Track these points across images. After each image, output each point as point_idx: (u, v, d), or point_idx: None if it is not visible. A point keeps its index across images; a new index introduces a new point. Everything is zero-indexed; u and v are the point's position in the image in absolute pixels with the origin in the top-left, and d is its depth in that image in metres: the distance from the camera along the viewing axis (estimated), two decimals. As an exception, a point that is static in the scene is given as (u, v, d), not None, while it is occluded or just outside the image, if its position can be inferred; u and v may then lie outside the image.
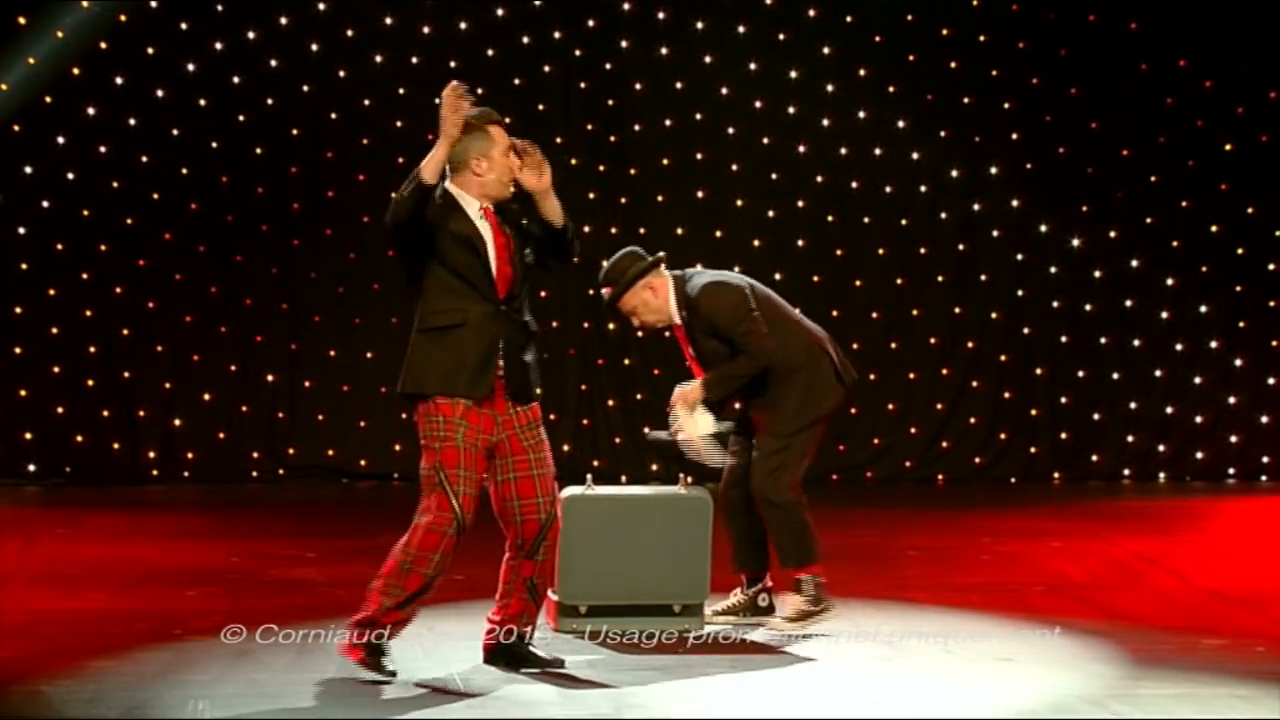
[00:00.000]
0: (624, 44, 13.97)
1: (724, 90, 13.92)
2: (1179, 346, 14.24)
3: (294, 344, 13.65)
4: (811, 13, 14.04)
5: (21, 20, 13.02)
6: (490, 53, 13.81)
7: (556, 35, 13.89)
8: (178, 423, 13.43)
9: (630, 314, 7.70)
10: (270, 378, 13.60)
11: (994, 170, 14.18)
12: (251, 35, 13.53)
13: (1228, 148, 14.17)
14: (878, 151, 14.07)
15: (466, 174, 6.65)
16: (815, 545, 7.42)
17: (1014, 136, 14.16)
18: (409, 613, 6.40)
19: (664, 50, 13.98)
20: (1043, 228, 14.22)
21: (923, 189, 14.12)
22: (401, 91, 13.69)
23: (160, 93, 13.39)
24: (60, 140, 13.25)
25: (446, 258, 6.49)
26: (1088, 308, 14.25)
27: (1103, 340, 14.25)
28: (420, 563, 6.34)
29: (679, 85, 13.92)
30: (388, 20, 13.70)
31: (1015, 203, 14.20)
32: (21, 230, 13.20)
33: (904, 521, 11.22)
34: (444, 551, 6.37)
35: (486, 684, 6.30)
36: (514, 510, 6.56)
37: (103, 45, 13.23)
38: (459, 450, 6.40)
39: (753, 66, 13.94)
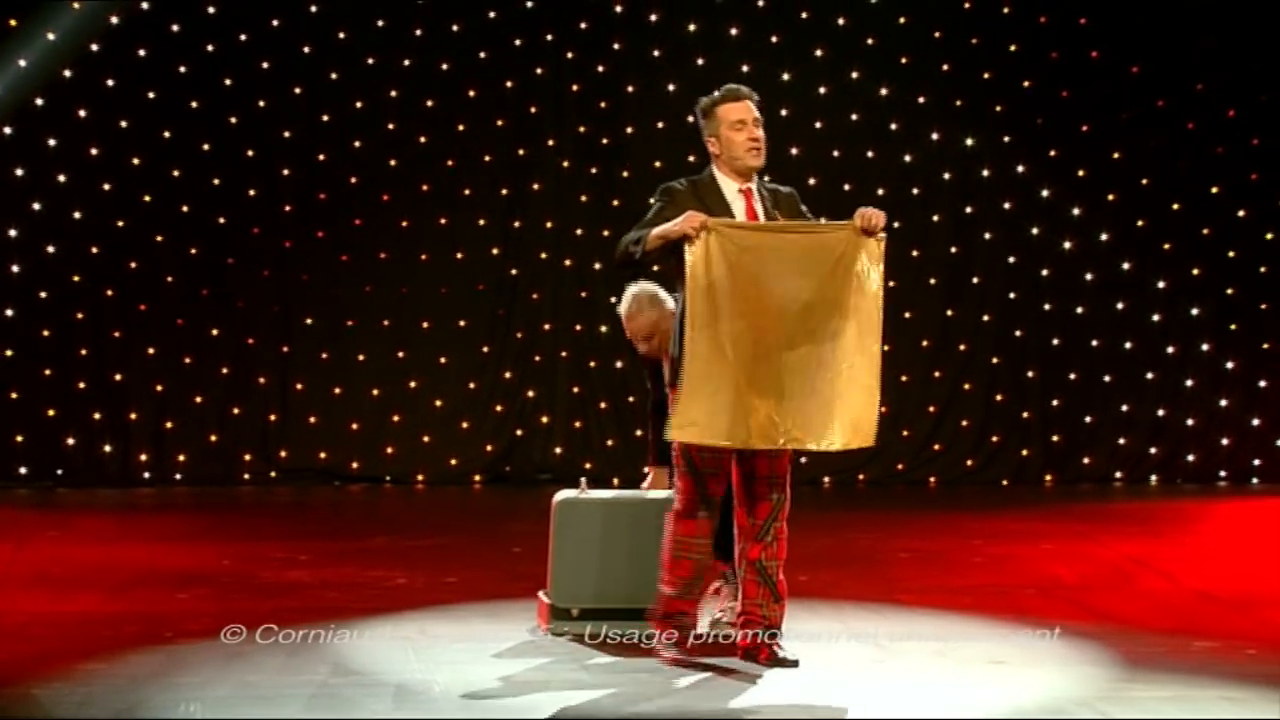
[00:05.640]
0: (616, 46, 13.98)
1: (716, 93, 13.90)
2: (1170, 349, 14.26)
3: (285, 346, 13.65)
4: (804, 15, 14.05)
5: (13, 22, 13.00)
6: (482, 55, 13.81)
7: (549, 37, 13.90)
8: (169, 425, 13.43)
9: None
10: (262, 380, 13.60)
11: (985, 173, 14.19)
12: (243, 37, 13.53)
13: (1219, 151, 14.19)
14: (870, 154, 14.08)
15: (715, 157, 6.78)
16: None
17: (1005, 139, 14.18)
18: (695, 599, 6.65)
19: (656, 52, 13.98)
20: (1034, 230, 14.24)
21: (915, 191, 14.13)
22: (394, 94, 13.69)
23: (151, 94, 13.38)
24: (51, 142, 13.24)
25: None
26: (1079, 310, 14.27)
27: (1094, 343, 14.27)
28: (685, 548, 6.56)
29: (671, 87, 13.92)
30: (380, 22, 13.70)
31: (1007, 205, 14.22)
32: (13, 232, 13.19)
33: (896, 524, 11.23)
34: (702, 534, 6.55)
35: (480, 686, 6.29)
36: (751, 488, 6.57)
37: (94, 47, 13.23)
38: None
39: (745, 69, 13.92)
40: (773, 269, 6.42)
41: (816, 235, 6.57)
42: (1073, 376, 14.26)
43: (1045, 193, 14.22)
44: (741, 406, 6.36)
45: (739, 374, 6.36)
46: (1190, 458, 14.22)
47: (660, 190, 6.75)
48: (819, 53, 14.06)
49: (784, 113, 13.86)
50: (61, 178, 13.25)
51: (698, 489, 6.55)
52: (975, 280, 14.26)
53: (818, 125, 13.97)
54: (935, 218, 14.17)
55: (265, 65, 13.58)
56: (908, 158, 14.14)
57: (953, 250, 14.22)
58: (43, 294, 13.25)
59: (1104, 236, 14.24)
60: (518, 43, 13.86)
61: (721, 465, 6.54)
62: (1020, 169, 14.19)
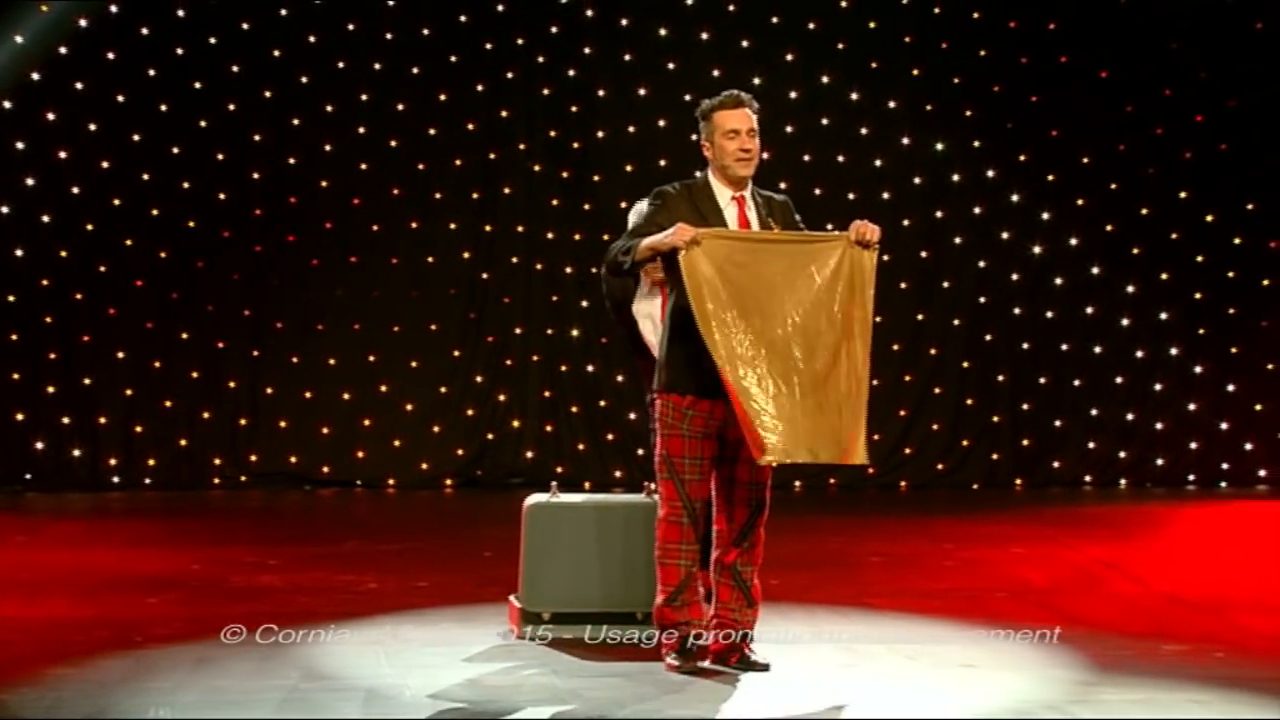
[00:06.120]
0: (587, 50, 13.98)
1: (687, 96, 13.90)
2: (1139, 353, 14.32)
3: (256, 350, 13.61)
4: (774, 19, 14.08)
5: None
6: (453, 58, 13.81)
7: (519, 41, 13.90)
8: (139, 429, 13.38)
9: None
10: (232, 384, 13.56)
11: (956, 177, 14.23)
12: (213, 40, 13.49)
13: (1187, 156, 14.26)
14: (840, 158, 14.11)
15: (709, 162, 6.79)
16: None
17: (975, 144, 14.22)
18: (688, 605, 6.55)
19: (627, 56, 14.00)
20: (1004, 235, 14.29)
21: (885, 195, 14.16)
22: (364, 97, 13.67)
23: (121, 98, 13.34)
24: (19, 145, 13.19)
25: None
26: (1049, 314, 14.32)
27: (1064, 347, 14.32)
28: (669, 554, 6.54)
29: (642, 91, 13.94)
30: (350, 26, 13.68)
31: (977, 210, 14.26)
32: (-20, 236, 13.15)
33: (866, 527, 11.25)
34: (687, 539, 6.52)
35: (451, 690, 6.28)
36: (731, 494, 6.58)
37: (63, 50, 13.18)
38: (684, 439, 6.48)
39: (715, 73, 13.95)
40: (765, 281, 6.39)
41: (808, 246, 6.52)
42: (1043, 380, 14.31)
43: (1015, 197, 14.27)
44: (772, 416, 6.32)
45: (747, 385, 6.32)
46: (1159, 461, 14.28)
47: (654, 194, 6.73)
48: (790, 57, 14.09)
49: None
50: (30, 181, 13.20)
51: (681, 495, 6.55)
52: (946, 284, 14.30)
53: (788, 129, 13.98)
54: (906, 222, 14.21)
55: (235, 68, 13.55)
56: (878, 162, 14.17)
57: (923, 254, 14.26)
58: (11, 297, 13.21)
59: (1073, 241, 14.29)
60: (488, 46, 13.85)
61: (703, 471, 6.54)
62: (990, 173, 14.24)
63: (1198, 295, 14.31)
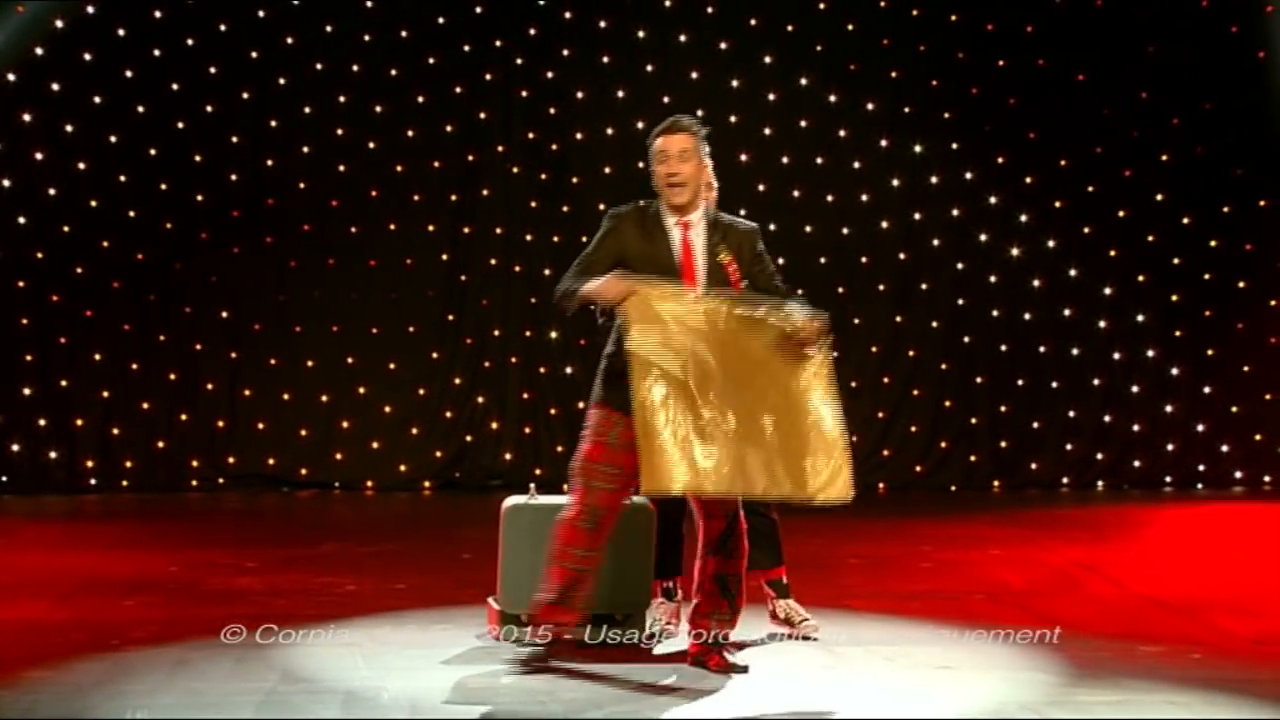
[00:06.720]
0: (565, 52, 13.97)
1: (665, 99, 13.93)
2: (1117, 355, 14.35)
3: (233, 352, 13.58)
4: (753, 22, 14.08)
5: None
6: (431, 60, 13.79)
7: (498, 43, 13.89)
8: (116, 431, 13.34)
9: None
10: (210, 386, 13.52)
11: (934, 179, 14.25)
12: (190, 42, 13.46)
13: (1164, 158, 14.30)
14: (819, 160, 14.12)
15: None
16: None
17: (954, 146, 14.24)
18: (569, 608, 6.54)
19: (605, 59, 13.99)
20: (982, 237, 14.31)
21: (864, 198, 14.18)
22: (342, 99, 13.65)
23: (98, 99, 13.30)
24: (-4, 147, 13.15)
25: (640, 272, 6.47)
26: (1027, 317, 14.35)
27: (1042, 349, 14.35)
28: (565, 556, 6.53)
29: (621, 94, 13.93)
30: (328, 28, 13.66)
31: (955, 212, 14.28)
32: (-43, 237, 13.10)
33: (845, 529, 11.24)
34: (581, 545, 6.50)
35: (429, 692, 6.28)
36: (705, 506, 6.59)
37: (39, 51, 13.14)
38: (606, 447, 6.49)
39: (694, 75, 13.98)
40: (701, 343, 6.37)
41: (745, 335, 6.40)
42: (1020, 382, 14.33)
43: (993, 199, 14.29)
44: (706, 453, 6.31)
45: (695, 421, 6.32)
46: (1136, 463, 14.31)
47: (607, 215, 6.71)
48: (768, 59, 14.10)
49: (733, 119, 13.89)
50: (6, 182, 13.15)
51: (588, 501, 6.53)
52: (924, 286, 14.32)
53: (767, 131, 13.99)
54: (884, 224, 14.22)
55: (213, 70, 13.51)
56: (856, 164, 14.18)
57: (901, 256, 14.28)
58: (-13, 299, 13.17)
59: (1051, 243, 14.32)
60: (467, 48, 13.84)
61: (616, 483, 6.51)
62: (968, 176, 14.26)
63: (1175, 298, 14.36)
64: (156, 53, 13.40)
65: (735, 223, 6.71)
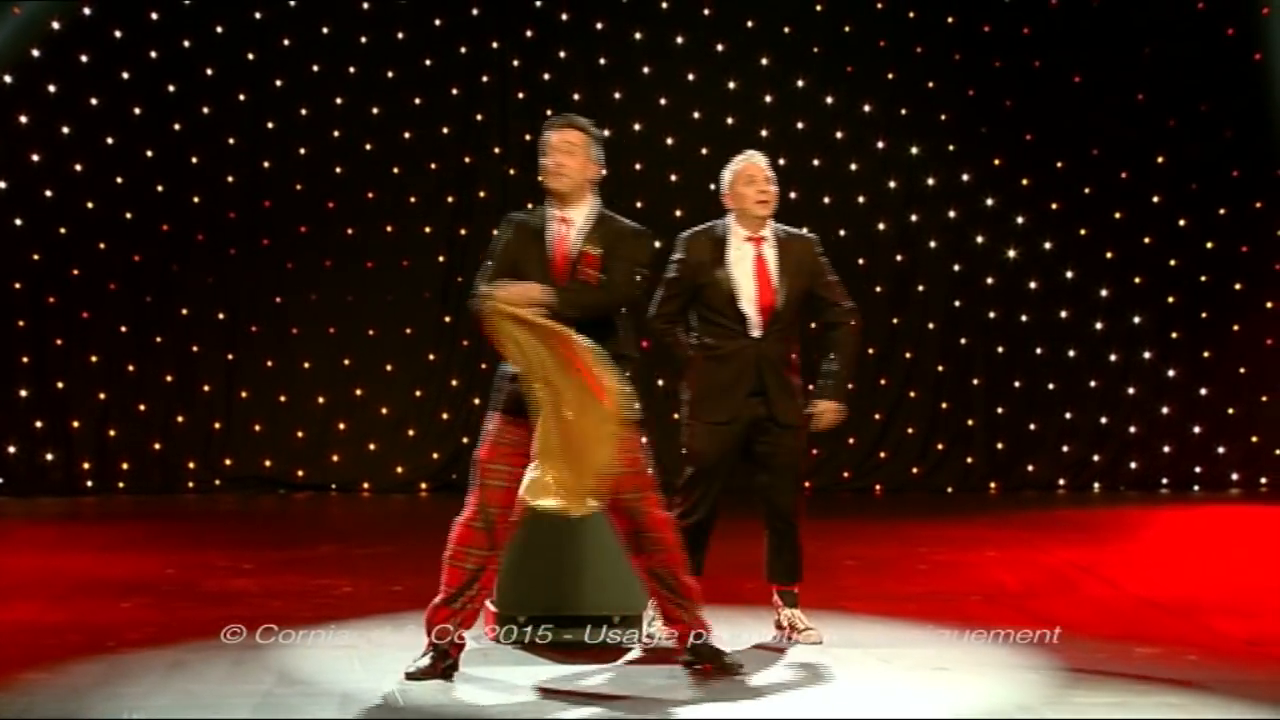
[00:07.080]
0: (562, 54, 13.98)
1: (662, 100, 13.96)
2: (1113, 357, 14.36)
3: (230, 354, 13.58)
4: (750, 23, 14.09)
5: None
6: (428, 62, 13.79)
7: (494, 45, 13.89)
8: (112, 433, 13.34)
9: None
10: (206, 388, 13.53)
11: (930, 181, 14.26)
12: (186, 43, 13.46)
13: (1160, 160, 14.31)
14: (815, 162, 14.12)
15: None
16: None
17: (950, 148, 14.24)
18: (461, 608, 6.49)
19: (602, 60, 14.00)
20: (979, 238, 14.32)
21: (860, 200, 14.19)
22: (339, 101, 13.66)
23: (94, 100, 13.30)
24: (-8, 149, 13.15)
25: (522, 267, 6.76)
26: (1023, 318, 14.36)
27: (1038, 351, 14.35)
28: (458, 556, 6.53)
29: (617, 95, 13.93)
30: (325, 29, 13.66)
31: (951, 213, 14.29)
32: (-47, 239, 13.10)
33: (841, 531, 11.25)
34: (476, 545, 6.49)
35: (424, 694, 6.27)
36: (613, 506, 6.60)
37: (35, 53, 13.14)
38: (498, 447, 6.54)
39: (691, 77, 13.98)
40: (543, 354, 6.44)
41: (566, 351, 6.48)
42: (1017, 384, 14.34)
43: (989, 201, 14.30)
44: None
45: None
46: (1133, 465, 14.32)
47: (502, 221, 6.86)
48: (765, 61, 14.11)
49: (730, 121, 13.90)
50: (2, 184, 13.15)
51: (481, 500, 6.53)
52: (920, 288, 14.32)
53: (763, 133, 13.98)
54: (880, 226, 14.23)
55: (209, 71, 13.52)
56: (853, 166, 14.19)
57: (898, 258, 14.28)
58: (-17, 301, 13.17)
59: (1047, 245, 14.33)
60: (463, 50, 13.84)
61: (506, 481, 6.50)
62: (965, 177, 14.26)
63: (1170, 299, 14.37)
64: (153, 54, 13.41)
65: (616, 221, 6.89)
